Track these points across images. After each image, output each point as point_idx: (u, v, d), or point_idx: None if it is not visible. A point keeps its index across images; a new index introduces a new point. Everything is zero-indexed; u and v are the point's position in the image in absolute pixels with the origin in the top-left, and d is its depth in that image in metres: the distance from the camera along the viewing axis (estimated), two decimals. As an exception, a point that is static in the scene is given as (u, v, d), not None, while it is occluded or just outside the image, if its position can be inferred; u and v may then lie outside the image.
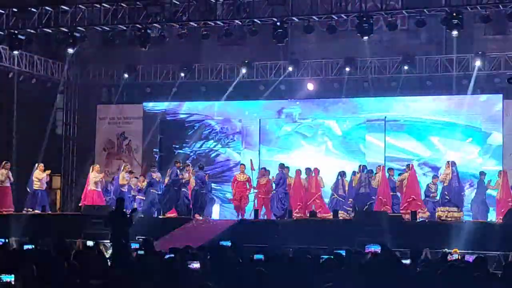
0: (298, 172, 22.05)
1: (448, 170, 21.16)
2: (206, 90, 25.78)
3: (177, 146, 26.45)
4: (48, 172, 23.07)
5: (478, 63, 22.92)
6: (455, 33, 19.97)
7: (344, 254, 10.95)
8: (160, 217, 22.10)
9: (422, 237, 18.38)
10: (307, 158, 24.40)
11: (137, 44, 21.68)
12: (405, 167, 21.99)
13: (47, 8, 22.01)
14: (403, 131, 24.45)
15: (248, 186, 22.34)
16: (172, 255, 10.63)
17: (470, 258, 11.08)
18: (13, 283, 7.14)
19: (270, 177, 22.19)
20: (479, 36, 24.40)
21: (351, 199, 21.56)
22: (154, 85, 26.38)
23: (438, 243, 17.73)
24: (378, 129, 24.53)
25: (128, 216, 16.70)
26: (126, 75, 25.83)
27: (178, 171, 22.28)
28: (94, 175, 22.86)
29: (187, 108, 26.48)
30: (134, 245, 13.95)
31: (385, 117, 24.39)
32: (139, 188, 23.27)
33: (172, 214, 22.19)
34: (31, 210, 22.54)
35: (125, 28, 22.07)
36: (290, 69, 24.43)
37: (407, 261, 10.64)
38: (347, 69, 23.86)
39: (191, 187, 22.36)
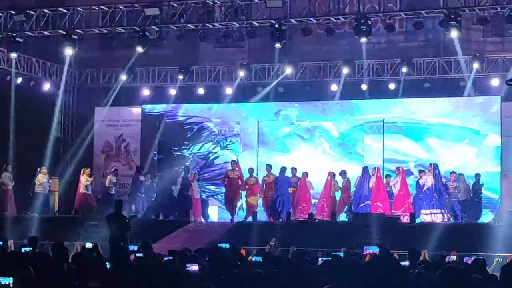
0: (305, 175, 22.05)
1: (430, 173, 21.25)
2: (204, 92, 25.77)
3: (176, 149, 26.45)
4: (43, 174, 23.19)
5: (476, 65, 22.92)
6: (454, 34, 19.98)
7: (342, 256, 10.94)
8: (159, 219, 22.08)
9: (420, 238, 18.39)
10: (305, 159, 24.44)
11: (135, 46, 21.68)
12: (395, 170, 22.14)
13: (45, 10, 22.00)
14: (401, 133, 24.47)
15: (240, 182, 22.33)
16: (171, 258, 10.63)
17: (468, 259, 11.08)
18: (11, 285, 7.13)
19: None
20: (477, 38, 24.41)
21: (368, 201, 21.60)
22: (152, 87, 26.36)
23: (437, 245, 17.74)
24: (376, 131, 24.54)
25: (127, 220, 16.70)
26: (124, 77, 25.81)
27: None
28: (85, 179, 22.93)
29: (185, 111, 26.47)
30: (133, 247, 13.94)
31: (384, 119, 24.41)
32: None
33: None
34: (29, 212, 22.60)
35: (123, 30, 22.07)
36: (289, 71, 24.41)
37: (406, 263, 10.64)
38: (345, 71, 23.85)
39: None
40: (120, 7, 21.57)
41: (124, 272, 8.55)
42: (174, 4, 21.21)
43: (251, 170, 22.90)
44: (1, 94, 25.71)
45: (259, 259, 10.51)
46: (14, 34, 21.92)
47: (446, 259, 11.90)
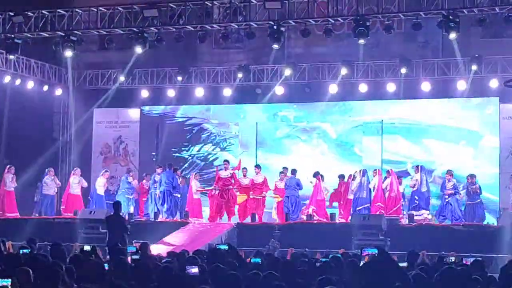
0: (319, 177, 22.06)
1: (417, 175, 21.29)
2: (203, 94, 25.77)
3: (176, 150, 26.44)
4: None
5: (474, 66, 22.92)
6: (452, 36, 19.99)
7: (341, 257, 10.94)
8: (157, 221, 22.08)
9: (419, 240, 18.40)
10: (303, 161, 24.48)
11: (134, 47, 21.67)
12: (386, 173, 22.21)
13: (43, 12, 21.98)
14: (398, 134, 24.49)
15: (233, 181, 22.23)
16: (169, 259, 10.62)
17: (467, 261, 11.07)
18: (9, 287, 7.12)
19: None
20: (476, 39, 24.42)
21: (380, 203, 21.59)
22: (151, 88, 26.36)
23: (435, 246, 17.75)
24: (374, 132, 24.55)
25: (126, 221, 16.71)
26: (123, 79, 25.80)
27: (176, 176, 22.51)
28: (73, 179, 22.97)
29: (184, 112, 26.47)
30: (131, 249, 13.92)
31: (382, 120, 24.42)
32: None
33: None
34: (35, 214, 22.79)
35: (121, 31, 22.06)
36: (287, 72, 24.39)
37: (404, 264, 10.63)
38: (344, 72, 23.83)
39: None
40: (119, 8, 21.56)
41: (122, 274, 8.53)
42: (172, 5, 21.20)
43: (244, 170, 22.78)
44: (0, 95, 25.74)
45: (258, 260, 10.50)
46: (12, 36, 21.89)
47: (445, 260, 11.88)
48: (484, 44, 24.37)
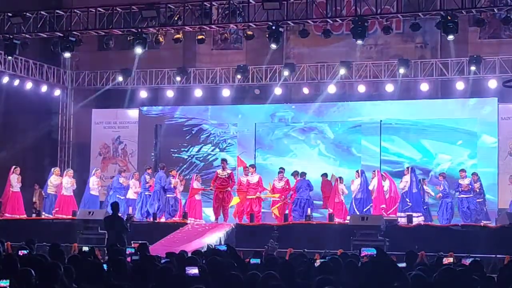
0: (338, 179, 22.07)
1: (407, 177, 21.32)
2: (202, 94, 25.78)
3: (175, 150, 26.45)
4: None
5: (472, 67, 22.94)
6: (450, 37, 20.02)
7: (339, 257, 10.93)
8: (155, 221, 22.07)
9: (417, 240, 18.41)
10: (302, 161, 24.51)
11: (133, 48, 21.68)
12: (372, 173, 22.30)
13: (42, 12, 21.99)
14: (396, 134, 24.51)
15: (230, 182, 22.13)
16: (168, 260, 10.61)
17: (466, 261, 11.07)
18: (8, 288, 7.13)
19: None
20: (474, 39, 24.45)
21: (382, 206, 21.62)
22: (150, 89, 26.37)
23: (434, 247, 17.74)
24: (373, 132, 24.57)
25: (124, 222, 16.70)
26: (121, 79, 25.80)
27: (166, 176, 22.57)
28: (66, 180, 22.98)
29: (183, 113, 26.47)
30: (130, 250, 13.91)
31: (381, 120, 24.44)
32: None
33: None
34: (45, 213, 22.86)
35: (120, 32, 22.06)
36: (286, 73, 24.40)
37: (403, 265, 10.63)
38: (342, 72, 23.85)
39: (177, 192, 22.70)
40: (117, 9, 21.56)
41: (121, 275, 8.54)
42: (171, 6, 21.21)
43: (246, 170, 22.56)
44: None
45: (257, 261, 10.50)
46: (11, 37, 21.89)
47: (443, 261, 11.87)
48: (482, 44, 24.41)
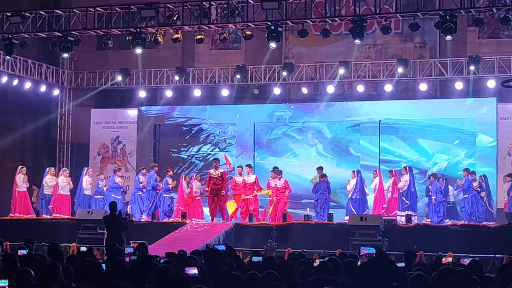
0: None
1: (407, 176, 21.31)
2: (201, 94, 25.77)
3: (175, 150, 26.44)
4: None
5: (471, 67, 22.95)
6: (448, 37, 20.02)
7: (338, 257, 10.94)
8: (155, 221, 22.07)
9: (416, 240, 18.42)
10: (299, 161, 24.53)
11: (132, 48, 21.67)
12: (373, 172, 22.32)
13: (41, 12, 21.98)
14: (393, 134, 24.53)
15: (223, 181, 21.96)
16: (167, 259, 10.61)
17: (465, 261, 11.08)
18: (7, 288, 7.12)
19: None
20: (473, 39, 24.46)
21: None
22: (149, 89, 26.35)
23: (433, 246, 17.76)
24: (371, 132, 24.58)
25: (123, 220, 16.71)
26: (120, 79, 25.79)
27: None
28: (61, 180, 22.99)
29: (182, 112, 26.44)
30: (128, 250, 13.93)
31: (380, 120, 24.45)
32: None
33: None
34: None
35: (119, 32, 22.05)
36: (285, 73, 24.39)
37: (402, 264, 10.63)
38: (341, 72, 23.84)
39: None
40: (116, 8, 21.55)
41: (120, 275, 8.53)
42: (170, 5, 21.20)
43: (240, 169, 22.43)
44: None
45: (259, 259, 10.53)
46: (10, 36, 21.88)
47: (442, 261, 11.89)
48: (481, 44, 24.42)
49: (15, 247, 14.77)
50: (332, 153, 24.95)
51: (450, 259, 12.02)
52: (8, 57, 23.12)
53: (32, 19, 21.91)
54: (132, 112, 26.85)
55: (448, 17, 19.10)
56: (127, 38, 21.80)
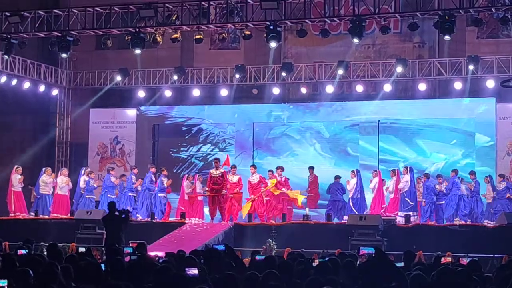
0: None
1: (407, 177, 21.31)
2: (200, 94, 25.77)
3: (174, 150, 26.43)
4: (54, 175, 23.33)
5: (470, 66, 22.95)
6: (446, 37, 20.03)
7: (338, 257, 10.94)
8: (154, 221, 22.06)
9: (415, 240, 18.43)
10: (298, 160, 24.54)
11: (130, 48, 21.66)
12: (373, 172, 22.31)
13: (40, 12, 21.96)
14: (391, 134, 24.53)
15: (224, 181, 21.96)
16: (167, 259, 10.61)
17: (464, 261, 11.08)
18: (6, 288, 7.12)
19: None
20: (472, 39, 24.46)
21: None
22: (148, 89, 26.34)
23: (432, 246, 17.77)
24: (370, 132, 24.59)
25: (123, 217, 16.70)
26: (119, 79, 25.78)
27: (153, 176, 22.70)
28: (60, 180, 22.98)
29: (181, 112, 26.44)
30: (127, 250, 13.91)
31: (379, 120, 24.46)
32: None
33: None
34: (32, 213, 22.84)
35: (118, 32, 22.04)
36: (284, 73, 24.37)
37: (401, 264, 10.64)
38: (340, 72, 23.83)
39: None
40: (115, 8, 21.55)
41: (119, 275, 8.53)
42: (169, 5, 21.19)
43: (234, 169, 22.34)
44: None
45: (262, 257, 10.59)
46: (9, 36, 21.86)
47: (441, 261, 11.89)
48: (480, 44, 24.43)
49: (14, 247, 14.75)
50: (330, 153, 24.96)
51: (449, 259, 12.01)
52: (6, 57, 23.12)
53: (31, 19, 21.89)
54: (131, 112, 26.84)
55: (447, 17, 19.10)
56: (126, 38, 21.80)
